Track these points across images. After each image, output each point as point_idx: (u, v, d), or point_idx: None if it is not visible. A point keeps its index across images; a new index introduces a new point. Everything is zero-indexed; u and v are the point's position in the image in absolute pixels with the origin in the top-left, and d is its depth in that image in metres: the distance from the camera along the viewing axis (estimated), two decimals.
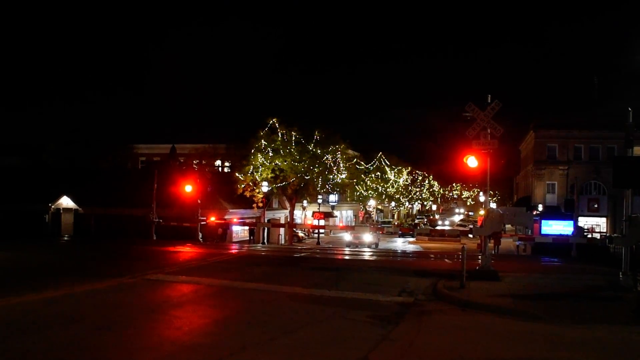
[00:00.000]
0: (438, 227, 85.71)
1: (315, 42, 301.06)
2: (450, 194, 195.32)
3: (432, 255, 36.24)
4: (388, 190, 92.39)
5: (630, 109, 19.54)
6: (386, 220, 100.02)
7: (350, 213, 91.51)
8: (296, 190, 52.79)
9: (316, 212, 59.25)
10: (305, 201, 61.35)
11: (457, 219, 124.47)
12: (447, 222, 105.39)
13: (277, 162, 48.88)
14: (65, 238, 45.22)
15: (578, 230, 39.37)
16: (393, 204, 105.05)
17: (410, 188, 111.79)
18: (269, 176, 48.69)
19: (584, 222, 57.85)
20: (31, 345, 10.33)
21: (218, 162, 70.12)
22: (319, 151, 51.23)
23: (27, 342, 10.57)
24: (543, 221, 39.38)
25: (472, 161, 21.55)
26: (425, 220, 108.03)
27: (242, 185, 48.25)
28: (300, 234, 59.86)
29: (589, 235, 48.73)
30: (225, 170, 66.76)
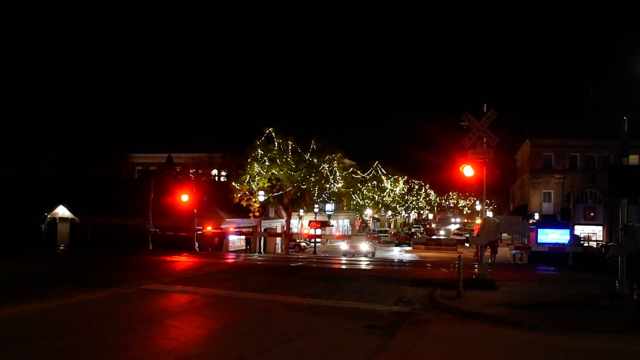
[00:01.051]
0: (434, 237, 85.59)
1: (311, 52, 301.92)
2: (447, 203, 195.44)
3: (428, 265, 36.20)
4: (384, 199, 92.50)
5: (625, 118, 19.58)
6: (383, 229, 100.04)
7: (346, 222, 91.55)
8: (293, 200, 52.78)
9: (313, 221, 59.27)
10: (301, 210, 61.34)
11: (453, 228, 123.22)
12: (442, 232, 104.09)
13: (273, 171, 48.89)
14: (62, 248, 45.09)
15: (574, 238, 39.46)
16: (389, 213, 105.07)
17: (406, 197, 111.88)
18: (266, 185, 48.69)
19: (580, 230, 58.02)
20: (26, 356, 10.30)
21: (214, 172, 70.20)
22: (315, 160, 51.27)
23: (21, 352, 10.54)
24: (539, 230, 39.47)
25: (468, 170, 21.59)
26: (422, 229, 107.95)
27: (239, 195, 48.21)
28: (303, 244, 59.74)
29: (585, 244, 48.79)
30: (222, 179, 66.81)
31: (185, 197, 42.53)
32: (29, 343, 11.22)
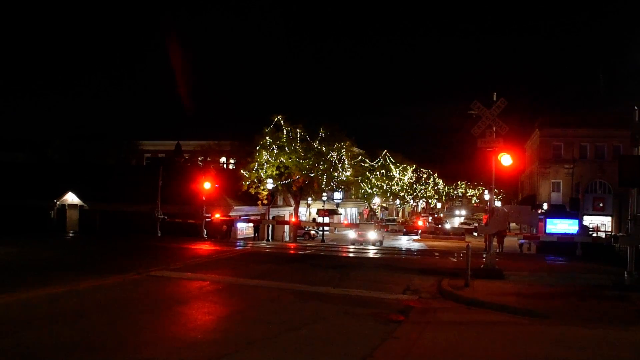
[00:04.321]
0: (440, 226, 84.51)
1: (321, 36, 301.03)
2: (455, 192, 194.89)
3: (436, 254, 36.22)
4: (393, 187, 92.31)
5: (636, 107, 19.50)
6: (391, 218, 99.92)
7: (354, 211, 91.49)
8: (301, 188, 52.72)
9: (321, 209, 59.22)
10: (310, 198, 61.31)
11: (457, 221, 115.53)
12: (447, 226, 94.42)
13: (282, 159, 48.81)
14: (71, 234, 45.34)
15: (583, 229, 39.27)
16: (398, 201, 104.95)
17: (415, 186, 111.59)
18: (274, 173, 48.65)
19: (589, 221, 57.70)
20: (37, 341, 10.37)
21: (223, 159, 70.14)
22: (323, 148, 51.18)
23: (33, 337, 10.61)
24: (548, 220, 39.29)
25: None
26: (430, 218, 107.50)
27: (247, 182, 48.19)
28: (312, 232, 59.71)
29: (594, 234, 48.61)
30: (230, 167, 66.80)
31: (193, 185, 42.62)
32: (38, 327, 11.30)
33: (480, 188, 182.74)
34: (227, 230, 46.48)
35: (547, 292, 17.44)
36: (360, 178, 68.26)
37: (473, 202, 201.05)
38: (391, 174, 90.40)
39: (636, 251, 18.81)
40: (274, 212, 55.48)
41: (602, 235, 50.77)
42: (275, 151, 48.67)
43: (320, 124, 51.92)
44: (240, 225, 49.58)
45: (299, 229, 55.42)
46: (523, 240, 43.40)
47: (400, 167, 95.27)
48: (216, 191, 44.88)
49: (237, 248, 34.19)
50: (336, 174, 52.97)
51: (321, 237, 53.33)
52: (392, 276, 21.06)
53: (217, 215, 42.87)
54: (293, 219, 51.90)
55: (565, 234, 36.21)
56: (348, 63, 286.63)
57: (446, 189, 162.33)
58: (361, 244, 47.79)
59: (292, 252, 33.63)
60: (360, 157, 69.55)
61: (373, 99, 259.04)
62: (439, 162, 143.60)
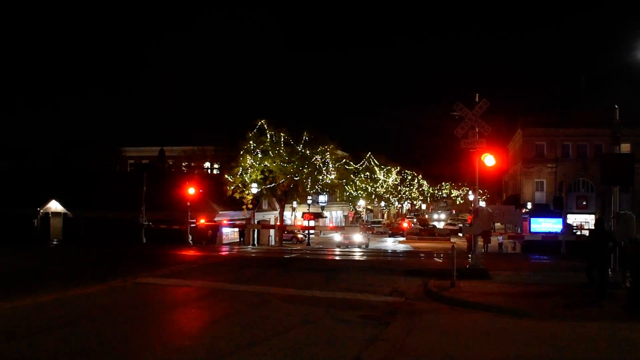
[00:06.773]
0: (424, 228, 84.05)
1: (303, 40, 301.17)
2: (440, 193, 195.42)
3: (422, 255, 36.30)
4: (377, 190, 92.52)
5: (616, 106, 19.64)
6: (376, 220, 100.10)
7: (340, 213, 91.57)
8: (286, 192, 52.76)
9: (306, 213, 59.19)
10: (295, 202, 61.29)
11: (437, 225, 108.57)
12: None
13: (266, 163, 48.84)
14: (55, 242, 44.97)
15: (567, 227, 39.52)
16: (383, 203, 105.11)
17: (399, 187, 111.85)
18: (258, 177, 48.62)
19: (573, 219, 58.04)
20: (22, 351, 10.28)
21: (207, 164, 70.07)
22: (308, 152, 51.24)
23: (18, 347, 10.52)
24: (532, 219, 39.52)
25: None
26: (415, 220, 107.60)
27: (232, 187, 48.14)
28: (300, 235, 59.63)
29: (578, 233, 48.91)
30: (215, 172, 66.67)
31: (178, 190, 42.47)
32: (24, 337, 11.20)
33: (464, 189, 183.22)
34: (213, 236, 46.37)
35: (531, 290, 17.54)
36: (344, 181, 68.35)
37: (457, 202, 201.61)
38: (375, 176, 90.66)
39: (619, 249, 18.93)
40: (259, 216, 55.42)
41: (586, 233, 51.07)
42: (259, 155, 48.68)
43: (304, 127, 52.05)
44: (226, 230, 49.46)
45: (288, 232, 55.45)
46: (502, 240, 43.66)
47: (385, 169, 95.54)
48: (201, 196, 44.75)
49: (223, 253, 34.09)
50: (321, 177, 53.06)
51: (307, 240, 53.31)
52: (379, 278, 21.06)
53: (202, 221, 42.75)
54: (278, 223, 51.85)
55: (550, 232, 36.45)
56: (330, 66, 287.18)
57: (430, 190, 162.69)
58: (347, 247, 47.77)
59: (278, 256, 33.54)
60: (344, 160, 69.64)
61: (356, 102, 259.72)
62: (423, 163, 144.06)
